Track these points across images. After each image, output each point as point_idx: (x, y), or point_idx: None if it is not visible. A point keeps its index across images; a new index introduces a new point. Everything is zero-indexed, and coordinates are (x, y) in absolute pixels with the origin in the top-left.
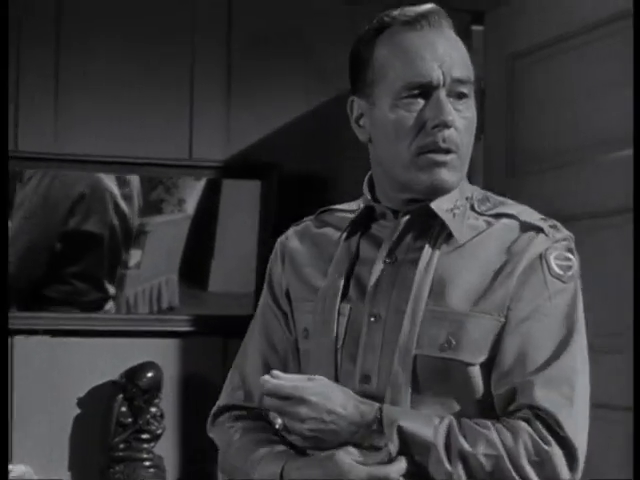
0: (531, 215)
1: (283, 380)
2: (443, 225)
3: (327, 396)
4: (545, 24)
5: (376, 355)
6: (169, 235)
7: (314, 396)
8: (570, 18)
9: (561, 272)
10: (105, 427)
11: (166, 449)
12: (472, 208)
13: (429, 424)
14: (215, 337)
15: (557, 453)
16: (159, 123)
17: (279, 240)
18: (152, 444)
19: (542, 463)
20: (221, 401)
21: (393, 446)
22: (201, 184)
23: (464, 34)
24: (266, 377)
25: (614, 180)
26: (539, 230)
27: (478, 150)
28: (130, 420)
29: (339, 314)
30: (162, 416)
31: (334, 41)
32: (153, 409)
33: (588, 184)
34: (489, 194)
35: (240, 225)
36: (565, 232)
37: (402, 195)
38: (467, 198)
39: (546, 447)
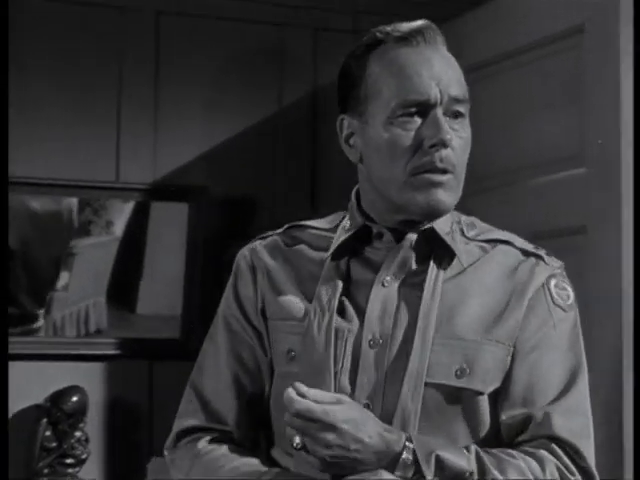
0: (524, 243)
1: (311, 396)
2: (445, 248)
3: (357, 424)
4: (491, 41)
5: (380, 381)
6: (97, 257)
7: (345, 424)
8: (516, 35)
9: (562, 301)
10: (29, 451)
11: (91, 474)
12: (462, 233)
13: (462, 454)
14: (141, 360)
15: None
16: (86, 145)
17: (244, 253)
18: (77, 469)
19: None
20: (185, 422)
21: (430, 476)
22: (129, 206)
23: None
24: (293, 394)
25: (560, 199)
26: (539, 257)
27: None
28: (54, 444)
29: (336, 337)
30: (87, 440)
31: (263, 62)
32: (78, 433)
33: (517, 207)
34: (474, 219)
35: (168, 247)
36: (559, 261)
37: (397, 216)
38: (457, 222)
39: (572, 477)
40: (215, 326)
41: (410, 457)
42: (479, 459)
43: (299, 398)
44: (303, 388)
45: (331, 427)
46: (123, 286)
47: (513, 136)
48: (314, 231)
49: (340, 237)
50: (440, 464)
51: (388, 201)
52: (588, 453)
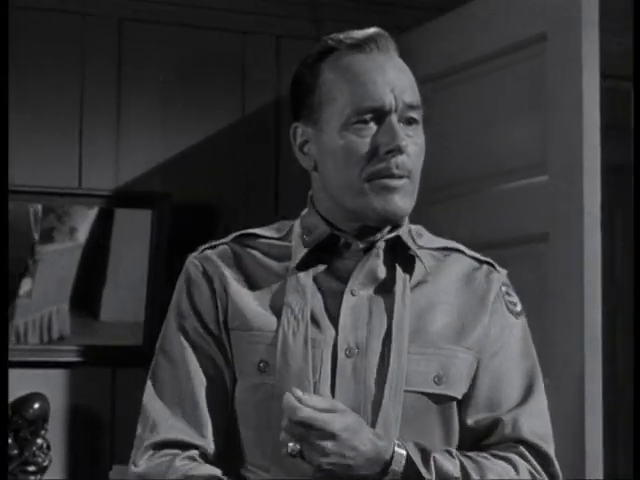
0: (470, 251)
1: (310, 403)
2: (408, 257)
3: (354, 431)
4: (449, 52)
5: (359, 390)
6: (60, 264)
7: (344, 432)
8: (479, 44)
9: (513, 308)
10: None
11: None
12: (413, 241)
13: (449, 458)
14: (104, 367)
15: None
16: (48, 152)
17: (194, 262)
18: (38, 476)
19: None
20: (159, 434)
21: (431, 476)
22: (93, 213)
23: None
24: (294, 402)
25: (523, 207)
26: (490, 265)
27: None
28: (16, 452)
29: (312, 347)
30: (49, 448)
31: (228, 70)
32: (39, 441)
33: (478, 214)
34: (420, 227)
35: (131, 254)
36: (504, 269)
37: (353, 223)
38: (409, 231)
39: None
40: (169, 339)
41: (402, 461)
42: (461, 463)
43: (301, 406)
44: (298, 393)
45: (330, 435)
46: (86, 293)
47: (476, 144)
48: (265, 240)
49: (299, 246)
50: (436, 466)
51: (344, 208)
52: (553, 456)
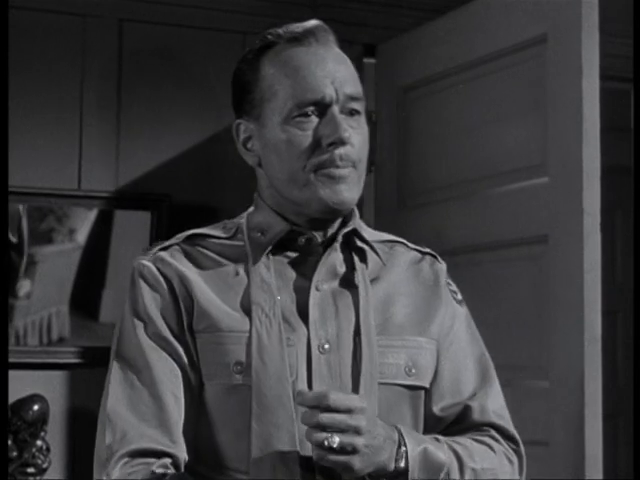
0: (411, 243)
1: (331, 394)
2: (362, 250)
3: (371, 415)
4: (437, 57)
5: (335, 385)
6: (60, 265)
7: (367, 411)
8: (479, 45)
9: (456, 297)
10: None
11: None
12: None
13: (441, 446)
14: (103, 369)
15: (516, 464)
16: (48, 153)
17: (146, 264)
18: (38, 478)
19: (512, 475)
20: (131, 444)
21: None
22: (92, 214)
23: (356, 66)
24: (316, 393)
25: (522, 208)
26: (433, 256)
27: (369, 182)
28: (15, 454)
29: (287, 345)
30: (48, 450)
31: (226, 71)
32: (39, 442)
33: (478, 216)
34: (360, 221)
35: (131, 255)
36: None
37: (300, 217)
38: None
39: (514, 460)
40: (128, 344)
41: (405, 447)
42: (451, 448)
43: (322, 394)
44: (306, 390)
45: (362, 410)
46: (86, 294)
47: (476, 146)
48: (217, 240)
49: (255, 245)
50: (426, 456)
51: (291, 202)
52: (517, 435)
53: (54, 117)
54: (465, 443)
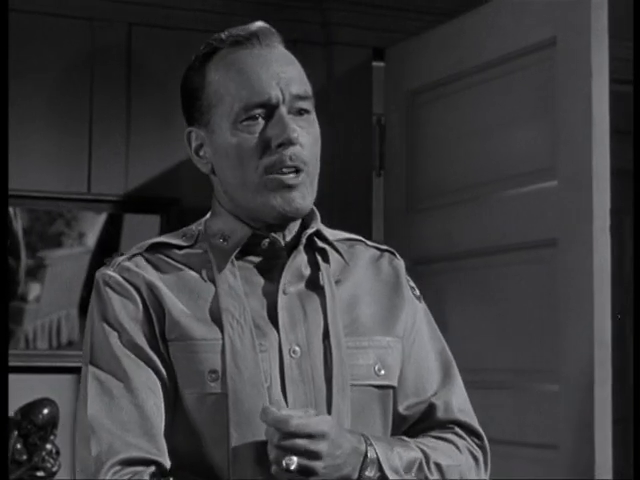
0: (369, 241)
1: (294, 415)
2: (324, 250)
3: (337, 429)
4: (445, 61)
5: (309, 390)
6: (69, 269)
7: (332, 431)
8: (488, 49)
9: (415, 293)
10: None
11: None
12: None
13: (410, 447)
14: None
15: (481, 460)
16: (58, 157)
17: (111, 274)
18: None
19: (477, 471)
20: (119, 454)
21: (395, 476)
22: (102, 218)
23: (365, 70)
24: (280, 415)
25: (531, 212)
26: (391, 253)
27: (379, 186)
28: (25, 457)
29: (260, 351)
30: (58, 453)
31: None
32: (49, 446)
33: (487, 220)
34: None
35: None
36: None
37: (256, 223)
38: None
39: (478, 456)
40: (102, 354)
41: (374, 455)
42: (418, 447)
43: (291, 415)
44: (273, 409)
45: (323, 436)
46: None
47: (485, 149)
48: (180, 250)
49: (218, 251)
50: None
51: (245, 208)
52: (481, 430)
53: (64, 121)
54: (430, 443)
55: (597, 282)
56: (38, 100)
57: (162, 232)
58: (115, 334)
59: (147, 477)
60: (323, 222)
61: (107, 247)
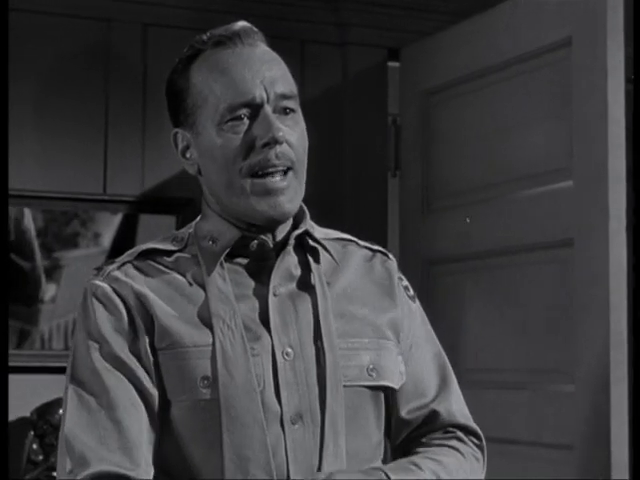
0: (361, 240)
1: None
2: (315, 250)
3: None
4: (461, 61)
5: (303, 393)
6: (85, 269)
7: None
8: (503, 48)
9: (409, 293)
10: (16, 464)
11: None
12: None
13: (423, 471)
14: None
15: (482, 461)
16: (74, 157)
17: (99, 284)
18: None
19: (480, 473)
20: (90, 467)
21: None
22: (117, 218)
23: (380, 70)
24: None
25: (548, 212)
26: (384, 254)
27: (394, 186)
28: (41, 458)
29: (252, 355)
30: None
31: None
32: None
33: (503, 220)
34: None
35: None
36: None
37: (242, 224)
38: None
39: (479, 460)
40: (83, 367)
41: None
42: (430, 469)
43: None
44: None
45: None
46: None
47: (501, 149)
48: (169, 257)
49: (207, 254)
50: None
51: (232, 209)
52: (478, 429)
53: (80, 121)
54: (438, 457)
55: (613, 282)
56: (54, 101)
57: None
58: (96, 346)
59: None
60: (337, 223)
61: (122, 247)
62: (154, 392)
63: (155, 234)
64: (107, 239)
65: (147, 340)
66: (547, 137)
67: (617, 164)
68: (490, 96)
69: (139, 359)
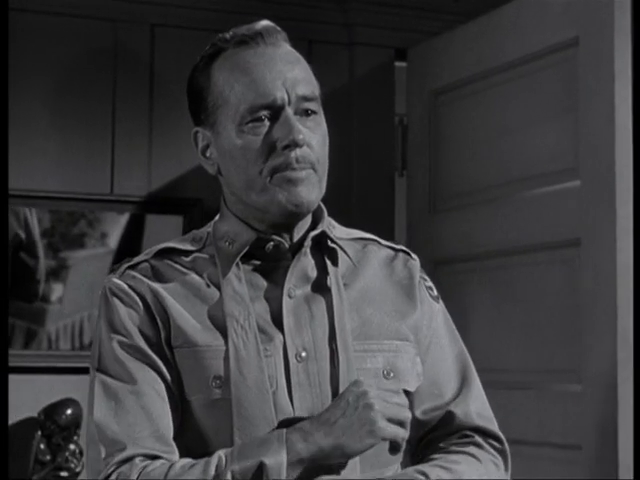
0: (383, 240)
1: None
2: (333, 251)
3: None
4: (468, 61)
5: (316, 395)
6: (92, 270)
7: None
8: (510, 48)
9: (432, 293)
10: (23, 465)
11: None
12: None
13: None
14: None
15: (502, 466)
16: (81, 157)
17: (117, 282)
18: None
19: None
20: (126, 450)
21: None
22: (124, 218)
23: (387, 70)
24: None
25: (555, 212)
26: (406, 253)
27: (401, 186)
28: (49, 457)
29: (265, 356)
30: (81, 453)
31: None
32: (72, 446)
33: (510, 220)
34: (330, 219)
35: None
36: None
37: (264, 224)
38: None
39: (499, 466)
40: (109, 360)
41: None
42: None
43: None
44: None
45: None
46: None
47: (508, 149)
48: (187, 256)
49: (224, 255)
50: None
51: (252, 208)
52: (499, 432)
53: (87, 122)
54: (451, 466)
55: (620, 282)
56: (61, 101)
57: (184, 233)
58: (121, 340)
59: (158, 464)
60: (344, 223)
61: (129, 248)
62: (175, 386)
63: (162, 234)
64: (114, 239)
65: (164, 335)
66: (554, 137)
67: (624, 163)
68: (497, 96)
69: (160, 353)
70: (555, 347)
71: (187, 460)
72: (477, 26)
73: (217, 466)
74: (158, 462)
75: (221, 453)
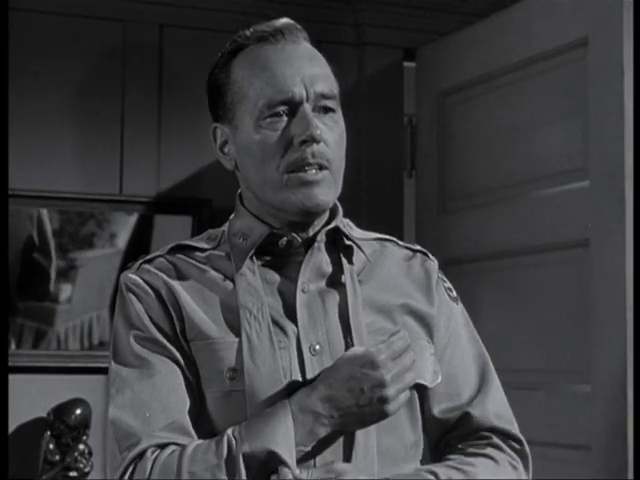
0: (402, 241)
1: None
2: (348, 247)
3: None
4: (477, 61)
5: None
6: (100, 270)
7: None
8: (520, 48)
9: (451, 294)
10: (32, 465)
11: None
12: (349, 233)
13: None
14: None
15: (521, 468)
16: (90, 158)
17: (132, 277)
18: None
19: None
20: (142, 444)
21: None
22: (133, 219)
23: (396, 70)
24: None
25: (564, 212)
26: (424, 254)
27: (410, 186)
28: (58, 457)
29: (279, 348)
30: (90, 453)
31: None
32: (81, 446)
33: (519, 220)
34: (348, 220)
35: None
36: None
37: (279, 220)
38: (343, 222)
39: (517, 468)
40: (127, 353)
41: None
42: None
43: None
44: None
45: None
46: None
47: (517, 149)
48: (201, 253)
49: (238, 251)
50: None
51: (268, 205)
52: (521, 435)
53: (95, 122)
54: (464, 468)
55: (629, 282)
56: (70, 101)
57: (193, 233)
58: (137, 333)
59: (169, 451)
60: (353, 223)
61: (138, 248)
62: (192, 378)
63: (171, 235)
64: (123, 240)
65: (179, 328)
66: (563, 137)
67: (634, 164)
68: (506, 96)
69: (177, 345)
70: (564, 347)
71: (196, 443)
72: (486, 26)
73: (228, 445)
74: (169, 449)
75: (229, 432)
